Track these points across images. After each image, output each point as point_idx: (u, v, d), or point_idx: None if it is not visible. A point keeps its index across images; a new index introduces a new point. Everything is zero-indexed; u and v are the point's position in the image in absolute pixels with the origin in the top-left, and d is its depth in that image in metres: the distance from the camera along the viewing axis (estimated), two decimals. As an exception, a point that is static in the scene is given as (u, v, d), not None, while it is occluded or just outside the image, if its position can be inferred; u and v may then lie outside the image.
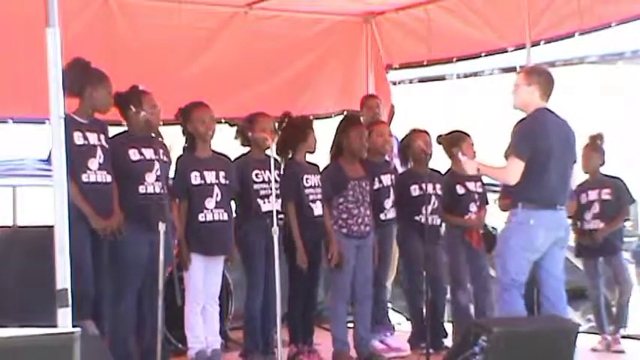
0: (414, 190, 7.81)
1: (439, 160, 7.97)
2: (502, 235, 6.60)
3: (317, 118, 9.21)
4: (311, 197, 7.28)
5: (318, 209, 7.29)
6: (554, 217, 6.45)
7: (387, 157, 8.06)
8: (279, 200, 7.02)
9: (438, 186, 7.75)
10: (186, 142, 7.01)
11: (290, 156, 7.40)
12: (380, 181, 7.75)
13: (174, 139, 7.01)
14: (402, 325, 8.72)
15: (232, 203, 7.10)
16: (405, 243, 7.92)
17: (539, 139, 6.40)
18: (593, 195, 8.18)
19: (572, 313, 10.08)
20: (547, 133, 6.42)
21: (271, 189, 6.91)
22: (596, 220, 8.14)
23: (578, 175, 6.81)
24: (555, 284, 6.51)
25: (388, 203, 7.78)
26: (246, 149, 7.35)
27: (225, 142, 7.45)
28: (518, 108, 6.59)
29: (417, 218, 7.72)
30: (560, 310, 6.50)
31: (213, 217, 6.82)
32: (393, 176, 7.89)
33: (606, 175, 8.22)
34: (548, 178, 6.38)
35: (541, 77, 6.59)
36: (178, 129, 7.05)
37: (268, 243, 6.84)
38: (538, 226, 6.37)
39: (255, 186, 7.13)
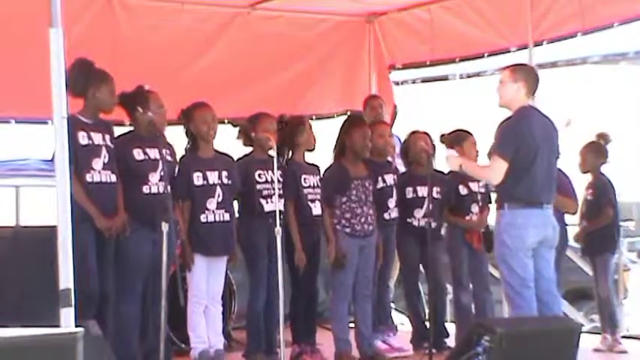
0: (408, 193, 7.84)
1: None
2: (496, 238, 6.54)
3: (319, 118, 9.22)
4: (310, 197, 7.28)
5: (316, 209, 7.29)
6: (540, 216, 6.40)
7: (388, 158, 8.06)
8: (282, 200, 7.02)
9: (436, 188, 7.72)
10: (188, 143, 7.01)
11: (290, 156, 7.39)
12: (383, 181, 7.75)
13: (177, 139, 7.01)
14: (404, 325, 8.72)
15: (235, 203, 7.10)
16: (399, 244, 7.94)
17: (524, 138, 6.35)
18: (585, 195, 8.22)
19: (575, 313, 10.11)
20: (532, 131, 6.38)
21: (274, 189, 6.92)
22: (583, 220, 8.19)
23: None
24: (547, 286, 6.44)
25: (392, 202, 7.78)
26: (249, 149, 7.35)
27: (228, 142, 7.45)
28: (504, 106, 6.54)
29: (408, 220, 7.77)
30: (554, 311, 6.47)
31: (214, 217, 6.82)
32: (395, 176, 7.89)
33: (602, 175, 8.22)
34: (533, 177, 6.35)
35: (528, 75, 6.54)
36: (181, 129, 7.05)
37: (271, 243, 6.85)
38: (526, 225, 6.33)
39: (258, 186, 7.13)
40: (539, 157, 6.36)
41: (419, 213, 7.76)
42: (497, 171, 6.39)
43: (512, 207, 6.38)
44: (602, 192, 8.14)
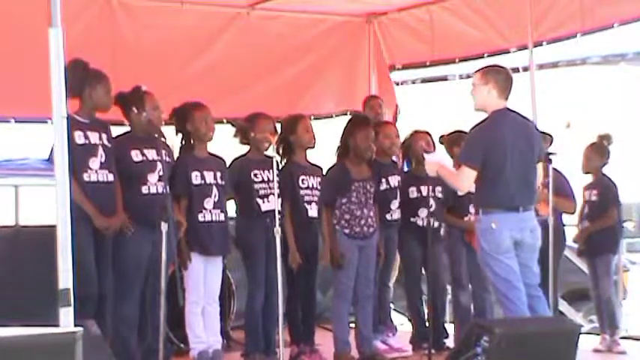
0: (412, 193, 7.84)
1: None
2: (477, 245, 6.52)
3: (317, 119, 9.21)
4: (306, 198, 7.27)
5: (312, 211, 7.27)
6: (516, 219, 6.33)
7: (394, 158, 8.06)
8: (279, 200, 6.99)
9: (438, 188, 7.72)
10: (182, 142, 7.00)
11: (289, 156, 7.38)
12: (387, 182, 7.74)
13: (175, 139, 7.01)
14: (403, 326, 8.72)
15: (230, 204, 7.10)
16: (402, 244, 7.94)
17: (492, 143, 6.33)
18: (587, 195, 8.22)
19: (574, 314, 10.11)
20: (501, 137, 6.34)
21: (270, 188, 6.94)
22: (586, 221, 8.17)
23: (540, 176, 6.70)
24: (529, 290, 6.38)
25: (394, 204, 7.77)
26: (245, 149, 7.34)
27: (224, 142, 7.44)
28: (479, 109, 6.50)
29: (412, 220, 7.77)
30: (540, 313, 6.42)
31: (211, 217, 6.83)
32: (400, 177, 7.88)
33: (604, 176, 8.22)
34: (505, 183, 6.30)
35: (498, 75, 6.47)
36: (181, 129, 7.06)
37: (269, 242, 6.86)
38: (501, 229, 6.28)
39: (255, 186, 7.13)
40: (508, 161, 6.31)
41: (423, 212, 7.74)
42: (464, 180, 6.42)
43: (487, 212, 6.36)
44: (607, 192, 8.13)
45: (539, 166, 6.62)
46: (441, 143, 7.73)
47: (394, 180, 7.80)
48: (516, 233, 6.33)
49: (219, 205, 6.87)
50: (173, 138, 6.98)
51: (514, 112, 6.51)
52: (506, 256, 6.30)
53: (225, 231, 6.95)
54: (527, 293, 6.35)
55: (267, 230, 6.89)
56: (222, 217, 6.89)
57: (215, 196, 6.85)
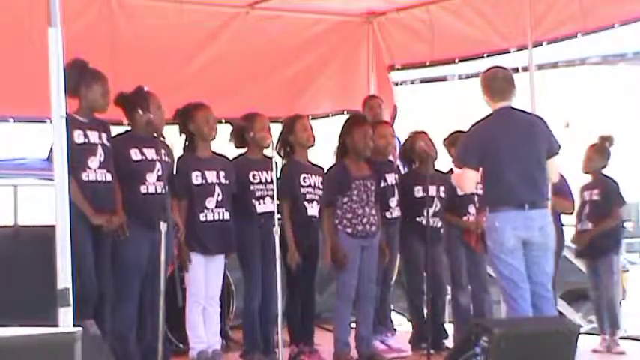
0: (417, 192, 7.82)
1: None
2: (487, 242, 6.54)
3: (315, 118, 9.21)
4: (307, 197, 7.25)
5: (312, 210, 7.25)
6: (521, 217, 6.30)
7: (390, 157, 8.06)
8: (275, 201, 6.96)
9: (441, 188, 7.71)
10: (185, 143, 7.00)
11: (290, 156, 7.38)
12: (385, 180, 7.74)
13: (174, 139, 7.01)
14: (402, 326, 8.71)
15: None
16: (405, 244, 7.92)
17: (485, 143, 6.36)
18: (587, 196, 8.20)
19: (574, 314, 10.11)
20: (494, 134, 6.36)
21: (267, 190, 6.94)
22: (586, 221, 8.15)
23: (554, 172, 6.67)
24: (535, 289, 6.37)
25: (393, 202, 7.77)
26: (242, 150, 7.34)
27: (223, 142, 7.44)
28: None
29: (418, 220, 7.75)
30: (545, 313, 6.42)
31: (214, 216, 6.83)
32: (396, 175, 7.88)
33: (605, 176, 8.22)
34: (505, 180, 6.30)
35: (483, 81, 6.56)
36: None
37: (265, 243, 6.87)
38: (504, 228, 6.28)
39: (252, 187, 7.12)
40: (506, 158, 6.32)
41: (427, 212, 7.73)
42: (466, 180, 6.47)
43: (492, 211, 6.39)
44: (610, 192, 8.11)
45: (552, 164, 6.58)
46: (444, 146, 7.77)
47: (391, 178, 7.80)
48: (522, 232, 6.31)
49: (223, 205, 6.87)
50: (173, 138, 6.99)
51: (518, 110, 6.52)
52: (510, 255, 6.30)
53: (229, 230, 6.93)
54: (535, 292, 6.35)
55: (262, 231, 6.89)
56: (226, 216, 6.89)
57: (218, 195, 6.84)
